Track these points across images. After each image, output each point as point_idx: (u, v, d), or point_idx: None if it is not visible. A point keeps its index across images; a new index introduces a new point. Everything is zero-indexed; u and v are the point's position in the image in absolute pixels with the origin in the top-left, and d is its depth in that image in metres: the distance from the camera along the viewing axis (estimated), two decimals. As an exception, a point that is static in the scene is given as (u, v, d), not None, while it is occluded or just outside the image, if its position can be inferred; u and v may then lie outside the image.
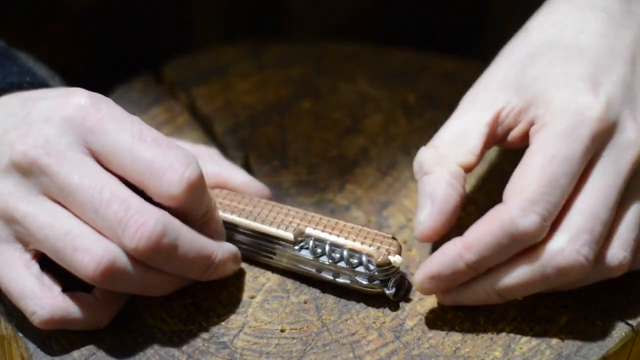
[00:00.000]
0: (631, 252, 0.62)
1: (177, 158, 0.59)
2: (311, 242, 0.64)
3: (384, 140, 0.76)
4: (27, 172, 0.59)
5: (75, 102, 0.60)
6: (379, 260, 0.63)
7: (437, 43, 0.98)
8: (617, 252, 0.61)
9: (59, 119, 0.60)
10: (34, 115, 0.60)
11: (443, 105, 0.78)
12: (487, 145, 0.65)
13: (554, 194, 0.60)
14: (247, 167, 0.74)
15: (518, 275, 0.60)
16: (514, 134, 0.64)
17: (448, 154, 0.64)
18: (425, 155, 0.64)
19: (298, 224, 0.65)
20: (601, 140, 0.61)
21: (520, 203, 0.59)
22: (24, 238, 0.60)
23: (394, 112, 0.78)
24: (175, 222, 0.59)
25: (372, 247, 0.63)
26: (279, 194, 0.71)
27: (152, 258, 0.59)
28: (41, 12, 0.98)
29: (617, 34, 0.65)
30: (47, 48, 1.00)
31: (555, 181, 0.60)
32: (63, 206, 0.59)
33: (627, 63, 0.64)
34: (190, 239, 0.60)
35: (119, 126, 0.60)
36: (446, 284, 0.62)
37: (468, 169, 0.64)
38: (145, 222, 0.58)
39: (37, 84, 0.64)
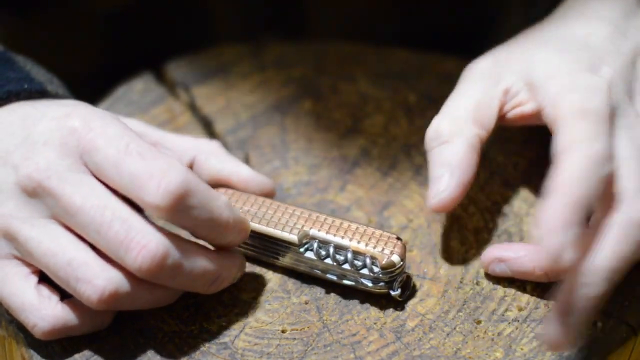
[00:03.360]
0: None
1: (158, 168, 0.59)
2: (315, 244, 0.64)
3: (385, 141, 0.76)
4: (33, 194, 0.60)
5: (70, 126, 0.61)
6: (383, 262, 0.63)
7: (452, 44, 0.99)
8: None
9: (57, 142, 0.60)
10: (35, 137, 0.61)
11: (444, 106, 0.78)
12: (497, 122, 0.66)
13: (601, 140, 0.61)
14: (248, 168, 0.74)
15: (610, 250, 0.59)
16: (515, 112, 0.66)
17: (465, 124, 0.65)
18: (443, 124, 0.65)
19: (302, 226, 0.65)
20: (609, 118, 0.62)
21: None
22: (25, 259, 0.60)
23: (394, 112, 0.78)
24: (179, 241, 0.59)
25: (376, 249, 0.63)
26: (279, 195, 0.71)
27: (156, 278, 0.59)
28: (63, 15, 0.99)
29: (621, 40, 0.68)
30: (70, 48, 1.00)
31: (594, 135, 0.61)
32: (68, 228, 0.60)
33: (627, 62, 0.66)
34: (194, 256, 0.60)
35: (108, 141, 0.60)
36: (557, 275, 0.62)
37: (483, 142, 0.65)
38: (147, 244, 0.58)
39: (35, 91, 0.64)
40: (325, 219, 0.65)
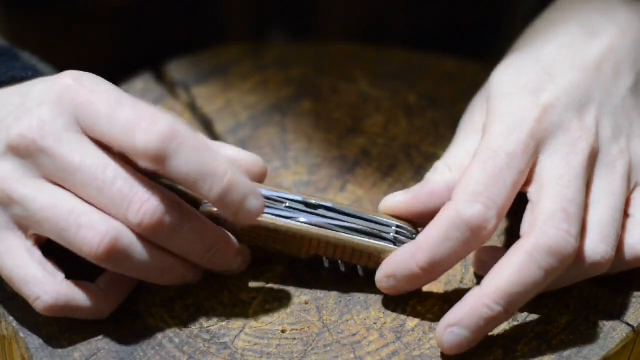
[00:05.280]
0: (613, 247, 0.62)
1: (149, 115, 0.59)
2: (326, 263, 0.65)
3: (385, 141, 0.76)
4: (25, 154, 0.60)
5: (63, 83, 0.61)
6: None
7: (459, 43, 0.99)
8: (598, 246, 0.61)
9: (51, 101, 0.60)
10: (29, 102, 0.61)
11: (444, 106, 0.78)
12: None
13: (498, 186, 0.60)
14: (248, 167, 0.74)
15: (508, 274, 0.59)
16: None
17: (455, 170, 0.65)
18: (439, 165, 0.66)
19: (308, 250, 0.64)
20: (542, 139, 0.62)
21: (463, 195, 0.60)
22: (22, 222, 0.60)
23: (394, 112, 0.78)
24: (180, 202, 0.60)
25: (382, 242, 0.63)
26: (279, 195, 0.71)
27: (156, 234, 0.59)
28: (65, 12, 0.99)
29: (585, 43, 0.67)
30: (71, 46, 1.00)
31: (498, 173, 0.60)
32: (63, 187, 0.60)
33: (587, 69, 0.66)
34: (194, 218, 0.60)
35: (100, 96, 0.60)
36: (403, 284, 0.62)
37: None
38: (150, 198, 0.58)
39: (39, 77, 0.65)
40: (327, 242, 0.64)
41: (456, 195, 0.60)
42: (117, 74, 0.83)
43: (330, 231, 0.63)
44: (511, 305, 0.59)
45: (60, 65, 0.70)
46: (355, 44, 0.85)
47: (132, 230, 0.59)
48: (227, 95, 0.80)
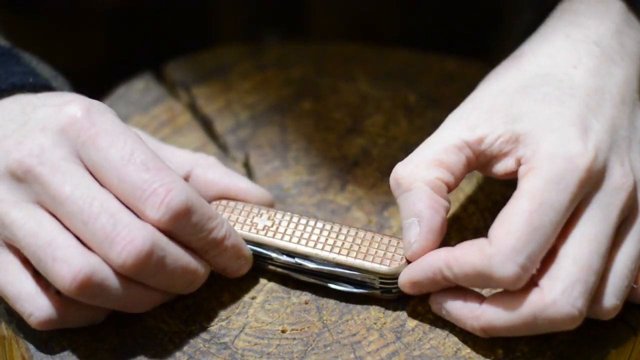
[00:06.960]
0: (622, 299, 0.61)
1: (162, 183, 0.59)
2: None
3: (385, 141, 0.76)
4: (21, 179, 0.60)
5: (71, 113, 0.61)
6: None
7: (453, 44, 0.99)
8: (609, 299, 0.61)
9: (55, 129, 0.60)
10: (32, 124, 0.61)
11: (444, 106, 0.78)
12: (467, 167, 0.63)
13: (538, 242, 0.59)
14: (248, 168, 0.74)
15: (506, 318, 0.59)
16: (499, 167, 0.63)
17: (426, 168, 0.62)
18: (403, 172, 0.63)
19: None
20: (589, 187, 0.61)
21: (502, 248, 0.58)
22: (11, 243, 0.60)
23: (394, 112, 0.78)
24: (163, 240, 0.59)
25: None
26: (279, 195, 0.71)
27: (138, 274, 0.59)
28: (63, 12, 0.99)
29: (608, 70, 0.65)
30: (69, 46, 1.00)
31: (540, 229, 0.59)
32: (54, 216, 0.60)
33: (615, 104, 0.64)
34: (176, 256, 0.60)
35: (111, 143, 0.60)
36: (428, 289, 0.62)
37: (448, 189, 0.63)
38: (133, 240, 0.58)
39: (39, 85, 0.65)
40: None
41: (495, 240, 0.59)
42: (115, 74, 0.83)
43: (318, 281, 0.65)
44: (492, 335, 0.61)
45: (58, 66, 0.70)
46: (355, 44, 0.85)
47: (111, 266, 0.59)
48: (227, 95, 0.80)
